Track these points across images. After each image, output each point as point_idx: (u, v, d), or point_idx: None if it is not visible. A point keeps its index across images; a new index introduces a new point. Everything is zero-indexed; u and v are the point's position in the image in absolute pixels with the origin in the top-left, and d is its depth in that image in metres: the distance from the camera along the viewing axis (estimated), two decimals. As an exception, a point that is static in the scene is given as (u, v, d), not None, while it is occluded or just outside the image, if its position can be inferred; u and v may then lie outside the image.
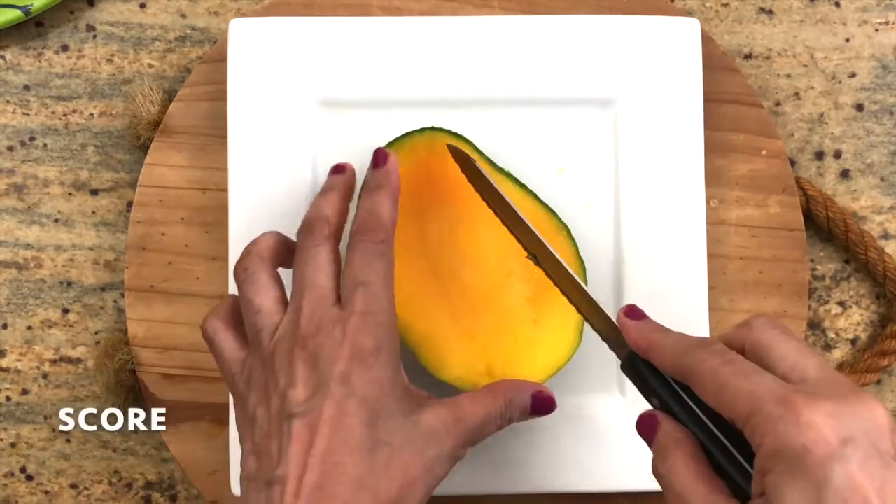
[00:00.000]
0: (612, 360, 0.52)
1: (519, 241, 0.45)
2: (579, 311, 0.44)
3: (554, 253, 0.44)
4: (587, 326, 0.45)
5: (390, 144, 0.48)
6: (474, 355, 0.47)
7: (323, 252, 0.43)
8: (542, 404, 0.46)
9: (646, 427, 0.39)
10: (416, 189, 0.48)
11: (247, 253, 0.45)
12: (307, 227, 0.45)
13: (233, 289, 0.52)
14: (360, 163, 0.51)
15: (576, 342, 0.48)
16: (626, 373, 0.41)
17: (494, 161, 0.50)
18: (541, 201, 0.50)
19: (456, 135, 0.49)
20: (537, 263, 0.45)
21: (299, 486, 0.39)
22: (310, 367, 0.41)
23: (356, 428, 0.40)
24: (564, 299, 0.45)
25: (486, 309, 0.48)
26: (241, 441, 0.43)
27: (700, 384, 0.37)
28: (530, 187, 0.50)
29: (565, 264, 0.44)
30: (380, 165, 0.46)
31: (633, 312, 0.41)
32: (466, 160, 0.47)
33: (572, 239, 0.49)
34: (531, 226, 0.45)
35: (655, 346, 0.40)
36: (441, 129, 0.49)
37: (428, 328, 0.47)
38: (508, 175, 0.50)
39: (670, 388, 0.39)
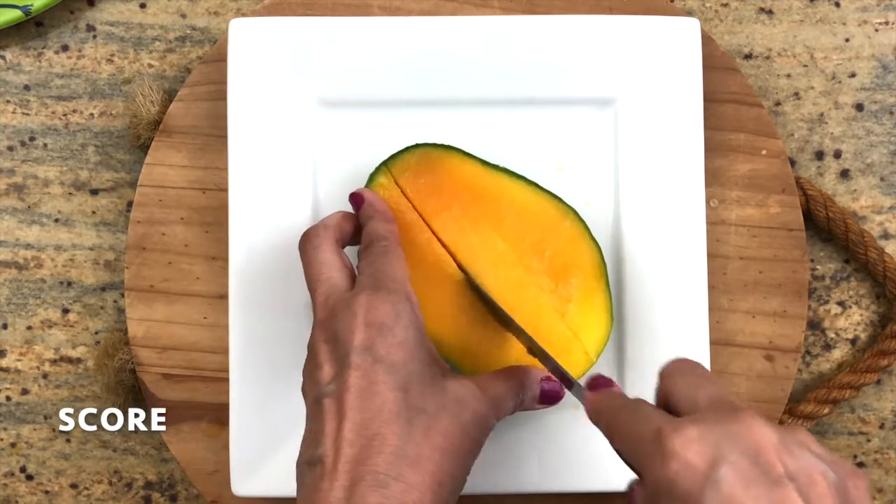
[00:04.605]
0: (611, 361, 0.53)
1: (518, 338, 0.46)
2: (558, 378, 0.44)
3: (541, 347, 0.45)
4: (616, 306, 0.48)
5: (385, 163, 0.49)
6: (515, 361, 0.47)
7: (324, 250, 0.44)
8: (550, 393, 0.46)
9: (629, 500, 0.37)
10: (419, 204, 0.48)
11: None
12: (304, 236, 0.46)
13: (232, 288, 0.52)
14: (359, 162, 0.51)
15: (608, 323, 0.49)
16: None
17: (489, 160, 0.50)
18: (543, 190, 0.50)
19: (445, 146, 0.50)
20: (534, 355, 0.45)
21: (336, 461, 0.38)
22: (331, 345, 0.41)
23: (388, 394, 0.39)
24: (589, 285, 0.48)
25: (514, 313, 0.47)
26: None
27: (617, 443, 0.36)
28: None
29: (554, 359, 0.44)
30: (361, 204, 0.47)
31: (595, 383, 0.41)
32: (476, 287, 0.47)
33: (581, 220, 0.49)
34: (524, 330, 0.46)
35: (600, 414, 0.39)
36: (431, 144, 0.50)
37: (462, 342, 0.47)
38: (505, 170, 0.50)
39: None
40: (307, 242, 0.45)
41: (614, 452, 0.38)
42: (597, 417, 0.39)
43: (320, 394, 0.40)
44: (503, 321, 0.46)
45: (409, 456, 0.38)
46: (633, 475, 0.37)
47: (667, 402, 0.37)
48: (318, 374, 0.41)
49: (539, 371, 0.46)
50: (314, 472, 0.39)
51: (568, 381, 0.43)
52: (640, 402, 0.37)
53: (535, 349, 0.45)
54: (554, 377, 0.46)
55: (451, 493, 0.40)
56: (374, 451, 0.38)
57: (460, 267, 0.48)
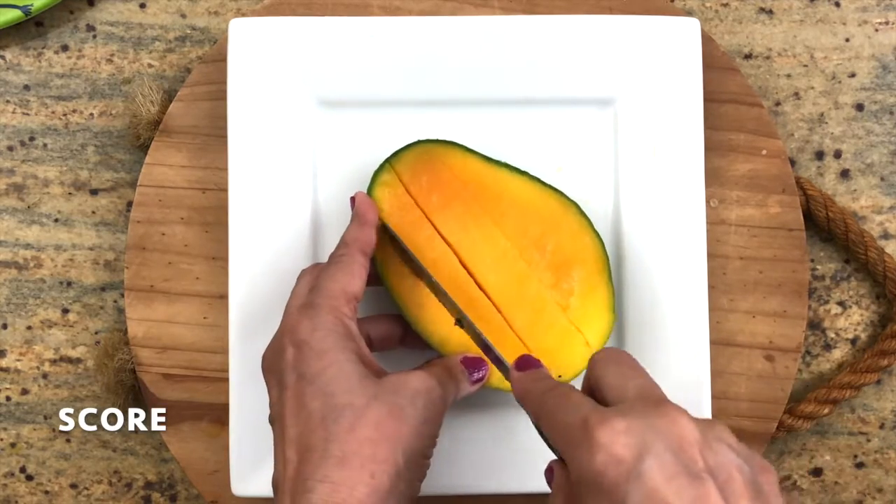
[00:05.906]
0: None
1: (445, 306, 0.47)
2: (499, 369, 0.44)
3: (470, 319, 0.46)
4: (616, 306, 0.48)
5: (388, 161, 0.49)
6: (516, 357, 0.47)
7: (301, 278, 0.46)
8: (472, 370, 0.46)
9: (547, 478, 0.37)
10: (422, 201, 0.48)
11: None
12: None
13: (232, 288, 0.52)
14: (360, 162, 0.51)
15: (610, 316, 0.49)
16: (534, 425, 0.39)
17: (491, 156, 0.50)
18: (545, 184, 0.50)
19: (447, 142, 0.50)
20: (462, 326, 0.46)
21: (283, 482, 0.40)
22: (274, 371, 0.43)
23: (312, 403, 0.41)
24: (591, 278, 0.48)
25: (515, 308, 0.48)
26: None
27: (544, 426, 0.36)
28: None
29: (478, 330, 0.45)
30: (352, 206, 0.48)
31: (522, 363, 0.41)
32: (394, 239, 0.48)
33: (583, 214, 0.50)
34: (449, 295, 0.46)
35: (527, 394, 0.39)
36: (433, 141, 0.50)
37: (464, 340, 0.47)
38: (507, 166, 0.50)
39: None
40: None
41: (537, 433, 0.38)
42: (523, 397, 0.39)
43: (271, 419, 0.43)
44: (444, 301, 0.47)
45: (334, 456, 0.39)
46: (553, 456, 0.37)
47: (594, 390, 0.37)
48: (269, 401, 0.43)
49: (458, 356, 0.47)
50: (276, 496, 0.41)
51: (501, 363, 0.43)
52: (568, 388, 0.37)
53: (466, 325, 0.45)
54: (469, 357, 0.47)
55: (395, 478, 0.40)
56: (305, 462, 0.40)
57: (413, 261, 0.48)
